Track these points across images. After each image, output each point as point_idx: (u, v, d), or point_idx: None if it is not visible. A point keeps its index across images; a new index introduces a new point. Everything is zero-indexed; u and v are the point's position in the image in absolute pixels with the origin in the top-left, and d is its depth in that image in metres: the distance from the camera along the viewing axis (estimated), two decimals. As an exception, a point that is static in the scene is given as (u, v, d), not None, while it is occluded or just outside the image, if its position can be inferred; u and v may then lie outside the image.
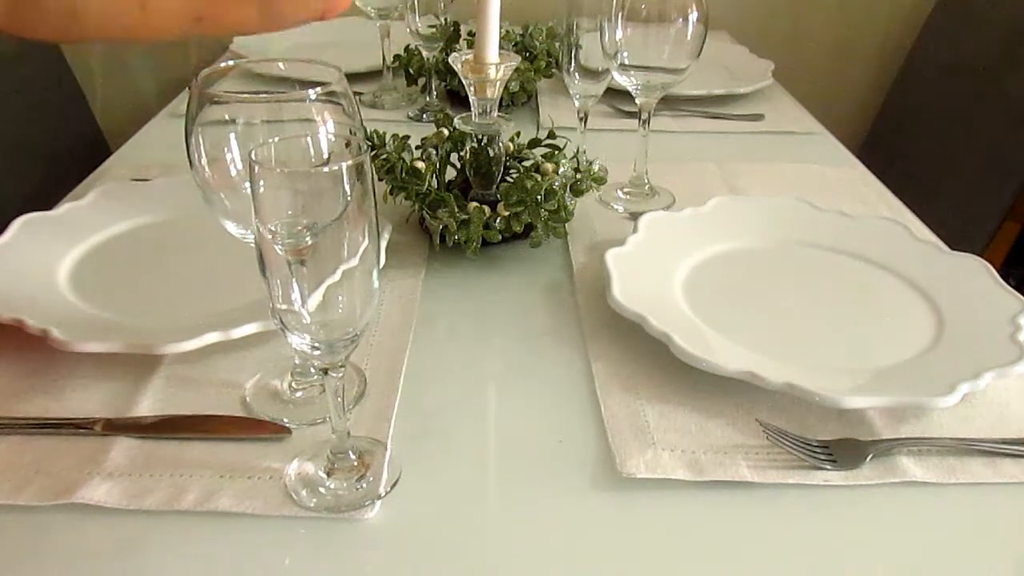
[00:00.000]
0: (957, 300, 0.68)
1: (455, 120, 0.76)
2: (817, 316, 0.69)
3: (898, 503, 0.51)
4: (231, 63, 0.59)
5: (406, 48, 1.16)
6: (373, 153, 0.76)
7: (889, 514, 0.50)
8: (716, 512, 0.50)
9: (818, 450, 0.53)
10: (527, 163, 0.80)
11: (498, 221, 0.73)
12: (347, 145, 0.47)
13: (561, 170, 0.76)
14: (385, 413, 0.57)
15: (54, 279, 0.69)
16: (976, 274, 0.70)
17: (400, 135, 0.78)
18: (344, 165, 0.41)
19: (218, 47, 1.45)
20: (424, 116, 1.12)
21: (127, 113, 1.57)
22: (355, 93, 0.55)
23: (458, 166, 0.81)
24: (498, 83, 0.72)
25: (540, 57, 1.16)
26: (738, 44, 1.43)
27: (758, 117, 1.16)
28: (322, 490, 0.50)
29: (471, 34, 1.14)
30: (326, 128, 0.53)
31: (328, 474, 0.51)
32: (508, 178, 0.78)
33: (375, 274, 0.46)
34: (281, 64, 0.61)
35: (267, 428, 0.55)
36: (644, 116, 0.87)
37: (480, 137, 0.75)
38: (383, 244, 0.69)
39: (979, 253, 0.72)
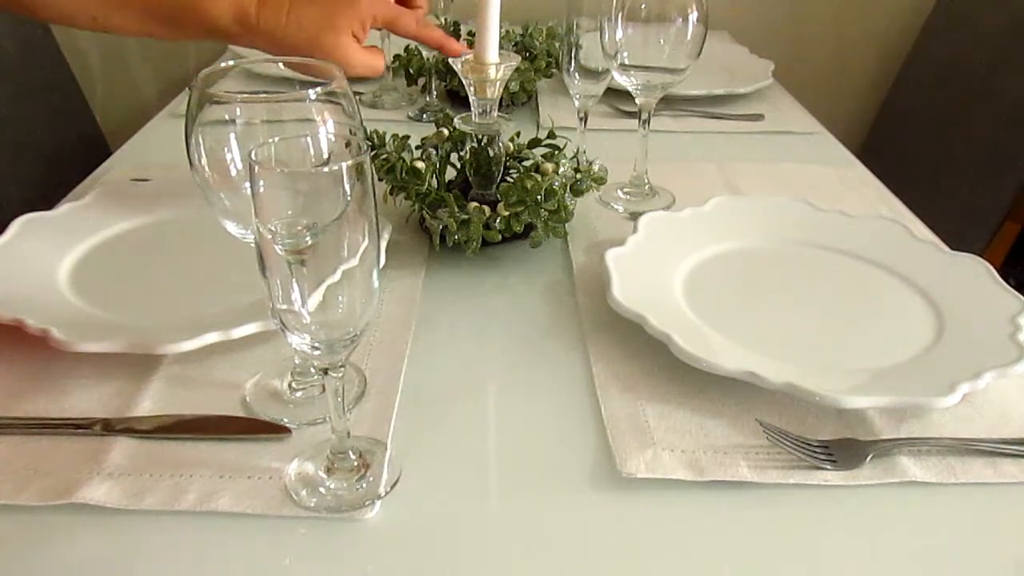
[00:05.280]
0: (957, 300, 0.68)
1: (455, 120, 0.76)
2: (817, 316, 0.69)
3: (898, 503, 0.51)
4: (231, 63, 0.59)
5: (406, 48, 1.16)
6: (373, 153, 0.76)
7: (889, 514, 0.50)
8: (716, 512, 0.50)
9: (818, 450, 0.53)
10: (527, 163, 0.80)
11: (498, 221, 0.73)
12: (347, 145, 0.46)
13: (561, 170, 0.76)
14: (385, 413, 0.57)
15: (54, 279, 0.69)
16: (976, 274, 0.70)
17: (400, 135, 0.78)
18: (344, 165, 0.41)
19: (218, 47, 1.45)
20: (424, 116, 1.12)
21: (127, 113, 1.58)
22: (355, 93, 0.55)
23: (458, 166, 0.81)
24: (498, 83, 0.72)
25: (540, 57, 1.16)
26: (738, 44, 1.43)
27: (758, 117, 1.16)
28: (322, 490, 0.50)
29: (471, 34, 1.14)
30: (326, 128, 0.53)
31: (328, 474, 0.51)
32: (508, 178, 0.78)
33: (375, 274, 0.46)
34: (281, 64, 0.61)
35: (267, 428, 0.55)
36: (644, 116, 0.87)
37: (480, 137, 0.75)
38: (383, 244, 0.69)
39: (979, 253, 0.72)
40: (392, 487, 0.51)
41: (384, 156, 0.76)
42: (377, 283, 0.46)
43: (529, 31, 1.20)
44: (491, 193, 0.77)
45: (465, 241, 0.73)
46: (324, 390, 0.49)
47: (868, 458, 0.53)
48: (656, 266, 0.72)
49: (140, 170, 0.92)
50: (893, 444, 0.54)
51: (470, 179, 0.78)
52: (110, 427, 0.54)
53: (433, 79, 1.14)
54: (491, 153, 0.76)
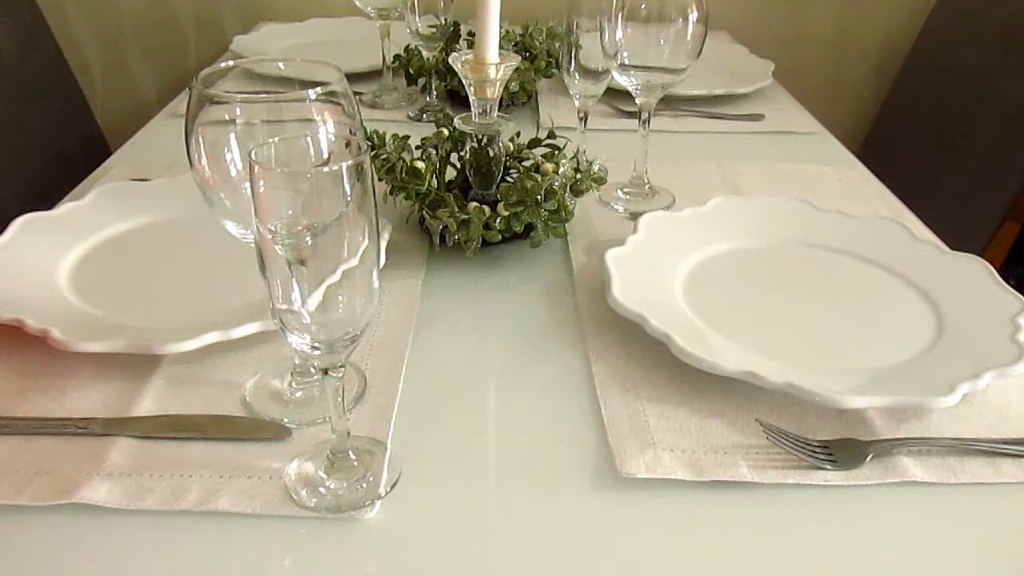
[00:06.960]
0: (957, 300, 0.68)
1: (455, 120, 0.76)
2: (817, 316, 0.69)
3: (898, 503, 0.51)
4: (231, 63, 0.59)
5: (406, 48, 1.16)
6: (373, 153, 0.76)
7: (889, 514, 0.50)
8: (716, 512, 0.50)
9: (818, 450, 0.53)
10: (527, 163, 0.80)
11: (498, 221, 0.73)
12: (347, 145, 0.47)
13: (561, 170, 0.76)
14: (385, 413, 0.57)
15: (54, 279, 0.69)
16: (976, 274, 0.70)
17: (400, 135, 0.78)
18: (344, 165, 0.41)
19: (218, 47, 1.45)
20: (424, 116, 1.12)
21: (127, 113, 1.58)
22: (355, 93, 0.55)
23: (458, 166, 0.81)
24: (498, 83, 0.72)
25: (540, 57, 1.16)
26: (738, 44, 1.43)
27: (758, 117, 1.16)
28: (322, 490, 0.50)
29: (471, 34, 1.14)
30: (326, 128, 0.53)
31: (328, 474, 0.51)
32: (508, 178, 0.78)
33: (375, 274, 0.46)
34: (281, 64, 0.61)
35: (267, 428, 0.55)
36: (644, 116, 0.87)
37: (480, 137, 0.75)
38: (383, 244, 0.69)
39: (979, 253, 0.72)
40: (392, 487, 0.51)
41: (384, 156, 0.76)
42: (377, 283, 0.46)
43: (529, 31, 1.20)
44: (491, 193, 0.77)
45: (465, 241, 0.73)
46: (324, 390, 0.49)
47: (868, 458, 0.53)
48: (656, 266, 0.72)
49: (140, 170, 0.92)
50: (893, 444, 0.54)
51: (470, 179, 0.78)
52: (110, 427, 0.54)
53: (433, 79, 1.14)
54: (491, 153, 0.76)
